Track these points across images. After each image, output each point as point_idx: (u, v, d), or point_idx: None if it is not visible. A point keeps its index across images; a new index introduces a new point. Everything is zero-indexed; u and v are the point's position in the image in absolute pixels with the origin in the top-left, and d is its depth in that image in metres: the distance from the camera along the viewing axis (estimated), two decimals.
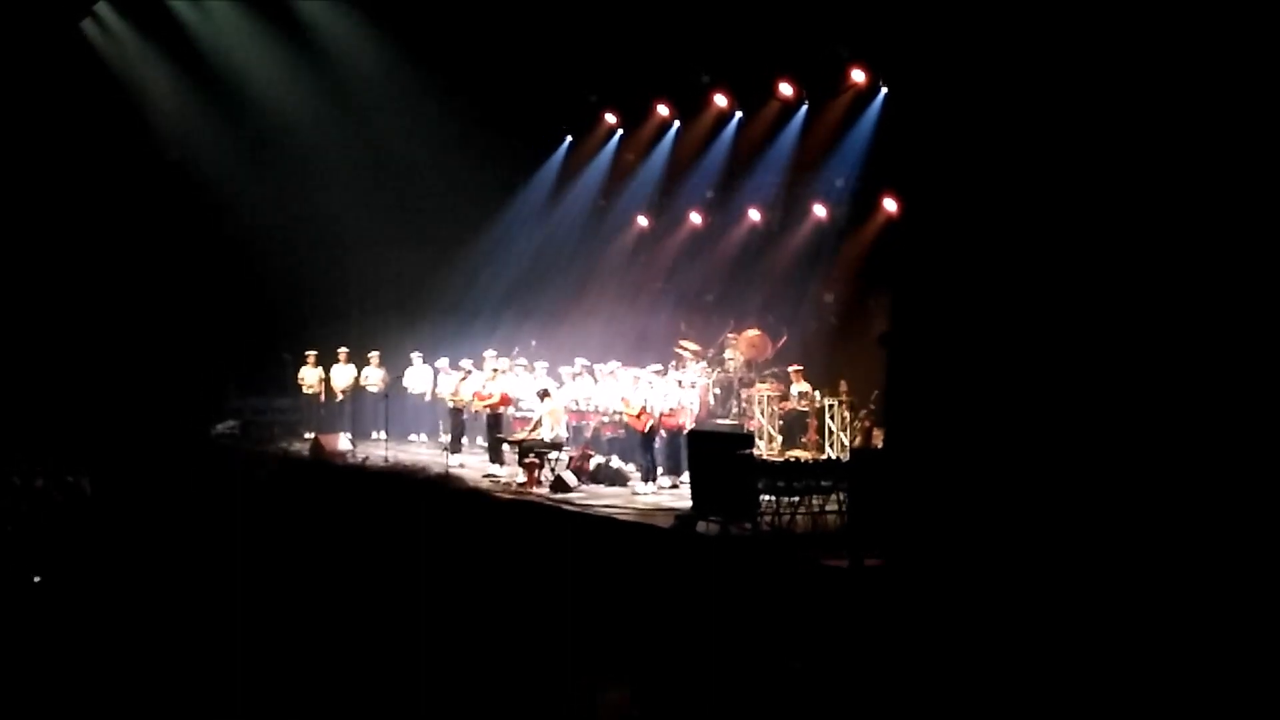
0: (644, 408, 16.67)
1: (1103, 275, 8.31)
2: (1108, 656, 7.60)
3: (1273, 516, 7.22)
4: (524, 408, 18.90)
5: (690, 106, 22.10)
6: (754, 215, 21.54)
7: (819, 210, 20.32)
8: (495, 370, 19.43)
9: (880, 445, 15.43)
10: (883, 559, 10.27)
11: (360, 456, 19.04)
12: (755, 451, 14.05)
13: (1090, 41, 8.42)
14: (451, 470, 17.34)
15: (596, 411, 18.59)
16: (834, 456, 16.09)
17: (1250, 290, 7.59)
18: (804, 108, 20.23)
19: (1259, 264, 7.55)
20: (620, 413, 17.62)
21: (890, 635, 9.01)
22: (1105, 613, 7.75)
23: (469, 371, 19.84)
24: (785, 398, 18.09)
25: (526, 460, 16.83)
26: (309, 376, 22.73)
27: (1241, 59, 7.65)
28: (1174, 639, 7.35)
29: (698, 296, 22.19)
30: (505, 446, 18.10)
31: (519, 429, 18.12)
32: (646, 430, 16.62)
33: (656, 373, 17.58)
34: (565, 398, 18.31)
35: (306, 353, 22.80)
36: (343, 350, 22.98)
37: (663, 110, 22.70)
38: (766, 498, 12.70)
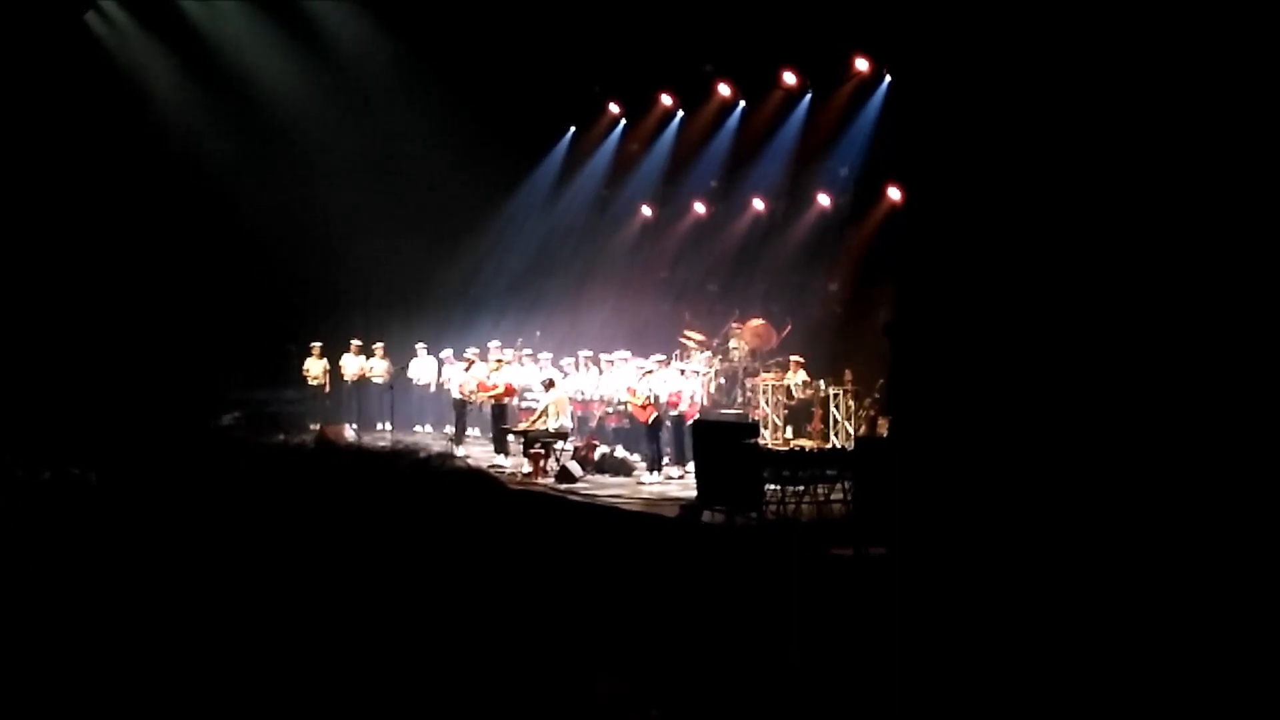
0: (648, 399, 16.68)
1: (1105, 263, 8.31)
2: (1110, 644, 7.60)
3: (1272, 495, 7.22)
4: (529, 398, 18.92)
5: (694, 96, 22.08)
6: (758, 205, 21.54)
7: (823, 199, 20.32)
8: (499, 361, 19.45)
9: (885, 434, 15.43)
10: (887, 548, 10.28)
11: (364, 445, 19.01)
12: (760, 441, 14.05)
13: (1093, 31, 8.40)
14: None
15: (601, 401, 18.60)
16: (839, 445, 16.09)
17: (1249, 271, 7.58)
18: (807, 97, 20.24)
19: (1258, 245, 7.54)
20: (625, 403, 17.63)
21: (895, 624, 9.02)
22: (1108, 599, 7.76)
23: (472, 361, 19.88)
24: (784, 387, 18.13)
25: (532, 450, 16.85)
26: (314, 368, 22.75)
27: (1241, 48, 7.64)
28: (1176, 630, 7.36)
29: (702, 286, 22.19)
30: (510, 437, 18.13)
31: (524, 419, 18.14)
32: (651, 421, 16.64)
33: (659, 362, 17.58)
34: (570, 388, 18.32)
35: (311, 344, 22.82)
36: (355, 342, 23.04)
37: (666, 100, 22.69)
38: (771, 487, 12.71)
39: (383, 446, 1.10)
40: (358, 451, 1.07)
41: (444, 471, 1.04)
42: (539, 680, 0.92)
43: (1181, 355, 7.81)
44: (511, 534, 1.00)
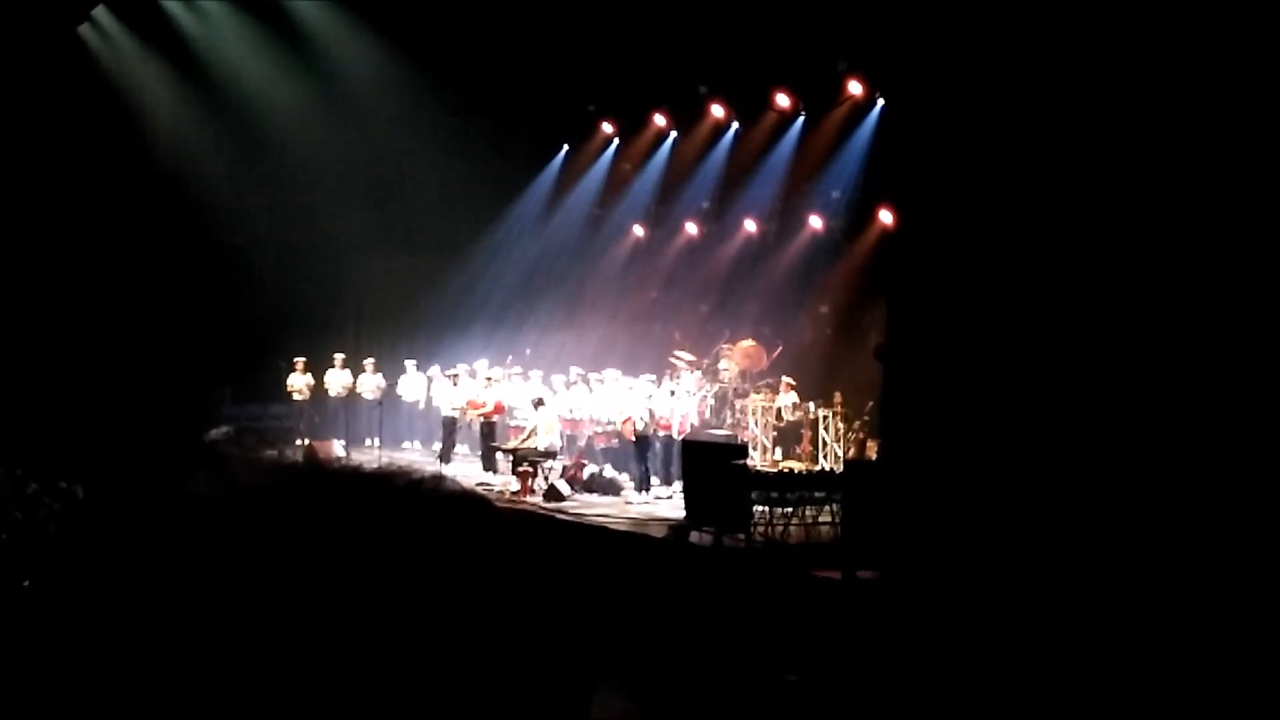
0: (628, 417, 16.77)
1: (1099, 287, 8.32)
2: (1104, 668, 7.59)
3: (1273, 529, 7.21)
4: (518, 416, 18.90)
5: (687, 117, 22.14)
6: (750, 226, 21.57)
7: (815, 222, 20.35)
8: (489, 379, 19.45)
9: (873, 457, 15.42)
10: (876, 571, 10.26)
11: (354, 463, 18.98)
12: (749, 462, 14.05)
13: (1088, 56, 8.43)
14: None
15: (590, 420, 18.59)
16: (828, 468, 16.09)
17: (1251, 304, 7.59)
18: (801, 119, 20.29)
19: (1259, 280, 7.55)
20: (613, 421, 17.67)
21: (883, 647, 9.00)
22: (1102, 624, 7.74)
23: (457, 376, 19.89)
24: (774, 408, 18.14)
25: (520, 469, 16.83)
26: (297, 383, 22.65)
27: (1242, 75, 7.67)
28: (1173, 656, 7.34)
29: (693, 307, 22.20)
30: (499, 455, 18.11)
31: (513, 437, 18.13)
32: (637, 440, 16.69)
33: (650, 382, 17.60)
34: (559, 406, 18.31)
35: (295, 359, 22.72)
36: (339, 356, 22.96)
37: (660, 120, 22.74)
38: (760, 508, 12.70)
39: (375, 468, 1.09)
40: (350, 472, 1.06)
41: (437, 495, 1.02)
42: (535, 702, 0.91)
43: (1178, 378, 7.82)
44: (505, 559, 0.99)
